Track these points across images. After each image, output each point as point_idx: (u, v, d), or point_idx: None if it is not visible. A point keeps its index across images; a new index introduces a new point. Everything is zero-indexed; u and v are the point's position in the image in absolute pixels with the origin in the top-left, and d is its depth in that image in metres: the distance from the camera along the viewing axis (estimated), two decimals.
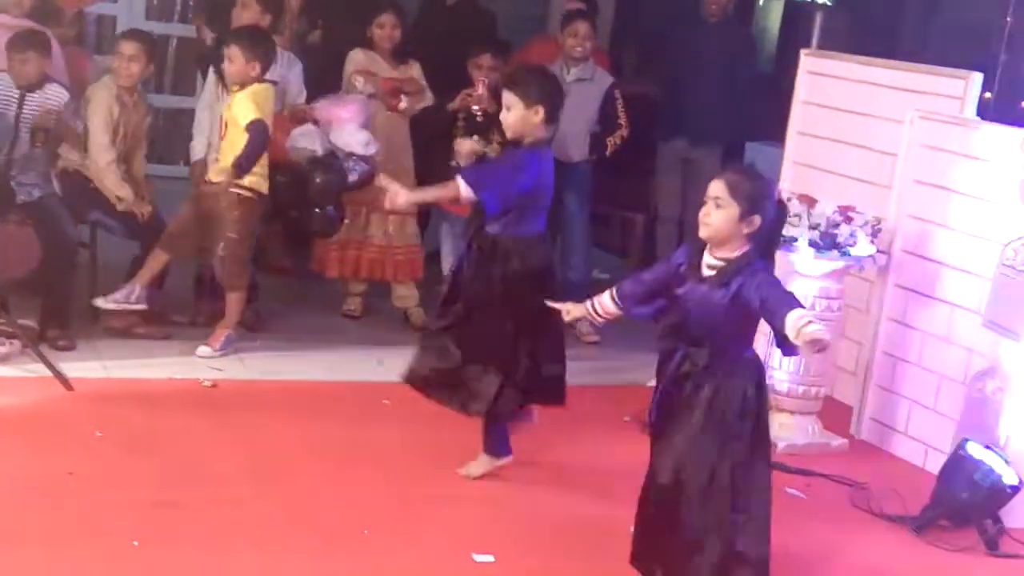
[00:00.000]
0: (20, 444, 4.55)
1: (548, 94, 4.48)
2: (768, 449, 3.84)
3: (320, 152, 5.95)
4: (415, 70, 6.48)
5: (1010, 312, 4.87)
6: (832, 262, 5.26)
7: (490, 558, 4.05)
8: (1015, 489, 4.69)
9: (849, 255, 5.24)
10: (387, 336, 6.32)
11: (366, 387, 5.56)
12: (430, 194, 4.92)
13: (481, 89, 6.13)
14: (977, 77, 5.47)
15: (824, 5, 6.60)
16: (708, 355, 3.69)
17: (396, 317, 6.57)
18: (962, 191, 5.30)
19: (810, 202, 5.32)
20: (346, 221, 6.34)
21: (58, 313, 5.60)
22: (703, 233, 3.72)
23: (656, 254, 7.83)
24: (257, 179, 5.73)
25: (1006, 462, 4.69)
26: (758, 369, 3.78)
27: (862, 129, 5.88)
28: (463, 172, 4.48)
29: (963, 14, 7.66)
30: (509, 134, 4.51)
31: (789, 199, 5.51)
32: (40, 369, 5.15)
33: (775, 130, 6.60)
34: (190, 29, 8.61)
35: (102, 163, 5.87)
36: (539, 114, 4.43)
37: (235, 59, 5.64)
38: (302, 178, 5.94)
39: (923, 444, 5.36)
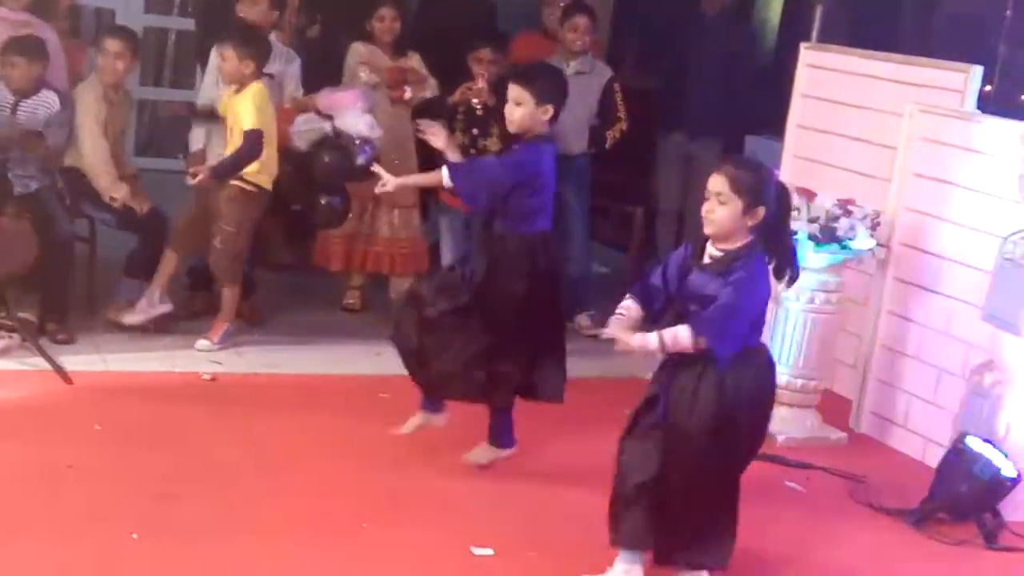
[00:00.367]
0: (20, 437, 4.56)
1: (560, 94, 4.53)
2: (755, 444, 3.87)
3: (328, 130, 5.92)
4: (415, 61, 6.47)
5: (1009, 305, 4.87)
6: (831, 255, 5.26)
7: (489, 551, 4.05)
8: (1014, 482, 4.70)
9: (848, 248, 5.24)
10: (385, 329, 6.28)
11: (365, 380, 5.56)
12: (416, 179, 5.16)
13: (481, 83, 6.13)
14: (977, 70, 5.47)
15: None
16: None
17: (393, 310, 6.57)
18: (962, 184, 5.29)
19: (809, 195, 5.31)
20: (350, 215, 6.35)
21: (56, 307, 5.61)
22: (708, 230, 3.72)
23: (656, 247, 7.84)
24: (259, 173, 5.73)
25: (1005, 455, 4.70)
26: (761, 361, 3.77)
27: (862, 122, 5.88)
28: (451, 163, 4.48)
29: (963, 7, 7.66)
30: (513, 129, 4.50)
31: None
32: (39, 363, 5.15)
33: (775, 123, 6.60)
34: (189, 23, 8.61)
35: (97, 162, 5.87)
36: (548, 113, 4.46)
37: (229, 58, 5.65)
38: (307, 164, 5.90)
39: (922, 437, 5.36)
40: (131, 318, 5.69)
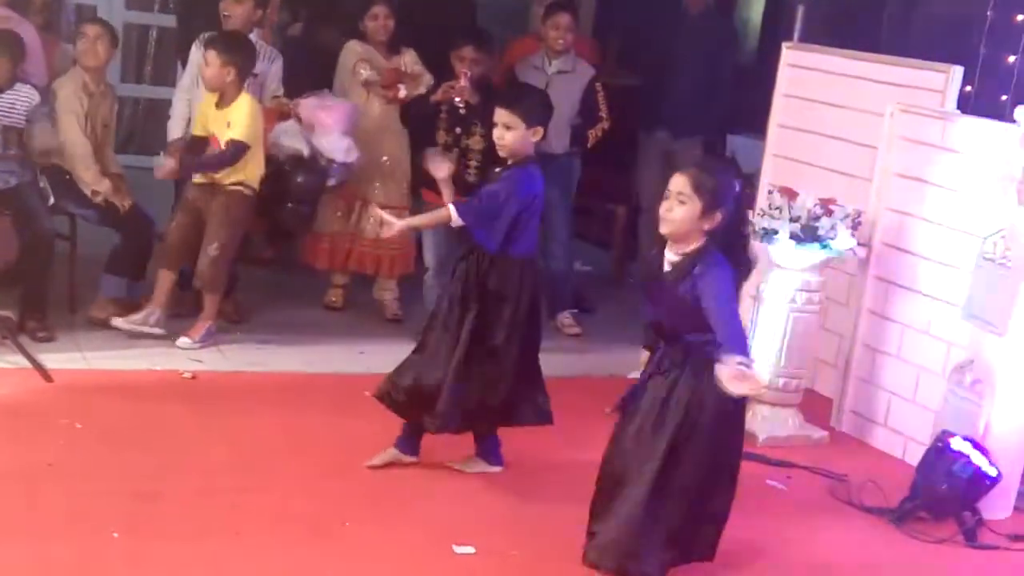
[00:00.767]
0: None
1: (546, 116, 4.58)
2: (733, 454, 3.89)
3: (304, 152, 5.97)
4: (410, 57, 6.45)
5: (989, 305, 4.89)
6: (812, 255, 5.28)
7: (471, 549, 4.05)
8: (993, 481, 4.72)
9: (829, 248, 5.25)
10: (368, 328, 6.32)
11: (347, 379, 5.55)
12: (423, 220, 4.97)
13: (464, 81, 6.12)
14: (958, 71, 5.49)
15: None
16: (683, 351, 3.73)
17: (376, 308, 6.56)
18: (942, 184, 5.32)
19: (791, 195, 5.33)
20: (338, 214, 6.34)
21: (36, 304, 5.58)
22: (663, 229, 3.76)
23: (638, 246, 7.85)
24: (253, 176, 5.76)
25: (985, 454, 4.72)
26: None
27: (843, 122, 5.89)
28: (459, 204, 4.45)
29: (944, 8, 7.67)
30: (504, 153, 4.50)
31: (770, 191, 5.54)
32: (20, 360, 5.13)
33: (756, 122, 6.61)
34: (170, 19, 8.58)
35: (79, 156, 5.84)
36: (538, 135, 4.49)
37: (211, 63, 5.64)
38: (282, 175, 5.95)
39: (903, 436, 5.38)
40: (120, 322, 5.62)
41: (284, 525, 4.07)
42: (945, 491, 4.69)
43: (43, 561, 3.68)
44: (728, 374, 3.50)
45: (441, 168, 4.58)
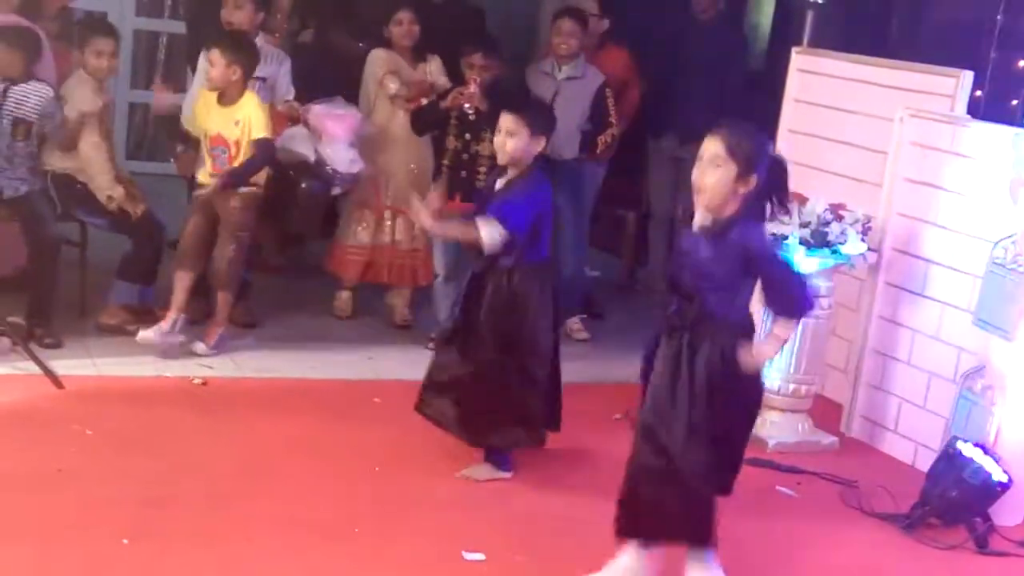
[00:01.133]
0: (10, 442, 4.54)
1: (550, 128, 4.60)
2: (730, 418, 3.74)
3: (311, 159, 5.99)
4: (435, 65, 6.46)
5: (1000, 310, 4.88)
6: (822, 260, 5.27)
7: (480, 556, 4.05)
8: (1004, 487, 4.70)
9: (839, 253, 5.24)
10: (377, 334, 6.32)
11: (357, 385, 5.56)
12: (455, 233, 4.79)
13: (473, 87, 6.12)
14: (968, 75, 5.48)
15: (816, 3, 6.59)
16: (697, 310, 3.64)
17: (385, 314, 6.56)
18: (952, 189, 5.31)
19: (801, 200, 5.31)
20: (364, 225, 6.34)
21: (43, 310, 5.59)
22: (700, 200, 3.64)
23: (648, 252, 7.85)
24: (262, 175, 5.78)
25: (995, 460, 4.70)
26: (746, 331, 3.69)
27: (853, 127, 5.88)
28: (482, 215, 4.46)
29: (954, 12, 7.67)
30: (505, 160, 4.52)
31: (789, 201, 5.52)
32: (30, 367, 5.14)
33: (766, 128, 6.59)
34: (180, 26, 8.60)
35: (96, 161, 5.85)
36: (540, 145, 4.52)
37: (216, 63, 5.64)
38: (288, 180, 5.97)
39: (913, 442, 5.37)
40: (146, 335, 5.57)
41: (294, 531, 4.07)
42: (956, 497, 4.67)
43: (53, 566, 3.68)
44: (749, 360, 3.54)
45: (423, 217, 4.59)
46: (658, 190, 7.63)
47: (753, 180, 3.60)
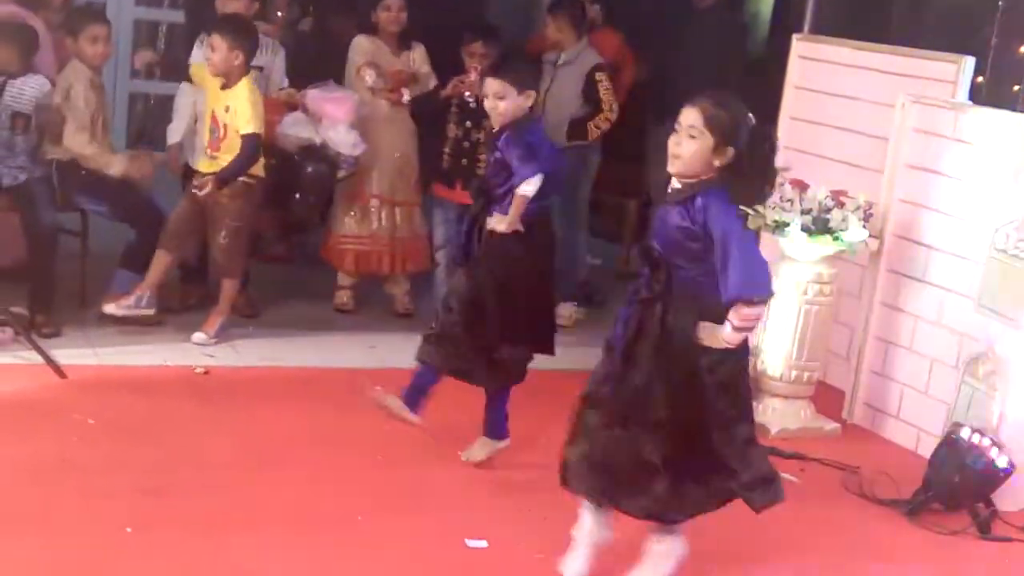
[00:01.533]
0: (12, 431, 4.55)
1: (536, 80, 4.61)
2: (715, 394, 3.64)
3: (316, 141, 5.97)
4: (419, 53, 6.43)
5: (1002, 296, 4.88)
6: (824, 247, 5.27)
7: (483, 543, 4.06)
8: (1007, 472, 4.71)
9: (841, 240, 5.24)
10: (379, 322, 6.33)
11: (359, 374, 5.55)
12: (515, 212, 4.59)
13: (474, 76, 6.12)
14: (969, 61, 5.47)
15: None
16: (665, 278, 3.57)
17: (386, 303, 6.56)
18: (954, 175, 5.30)
19: (802, 187, 5.32)
20: (352, 214, 6.33)
21: (43, 299, 5.59)
22: (673, 168, 3.60)
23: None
24: (256, 164, 5.73)
25: (998, 446, 4.71)
26: (720, 307, 3.54)
27: (854, 114, 5.87)
28: (519, 175, 4.44)
29: None
30: (500, 121, 4.51)
31: (782, 183, 5.52)
32: (32, 356, 5.14)
33: (767, 115, 6.58)
34: (179, 15, 8.58)
35: (86, 148, 5.85)
36: (530, 99, 4.51)
37: (218, 47, 5.62)
38: (291, 165, 5.95)
39: (915, 428, 5.37)
40: (111, 308, 5.62)
41: (297, 519, 4.08)
42: (958, 483, 4.68)
43: (56, 556, 3.69)
44: (713, 334, 3.47)
45: (500, 223, 4.52)
46: (658, 178, 7.58)
47: (730, 152, 3.53)
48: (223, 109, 5.68)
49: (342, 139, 6.01)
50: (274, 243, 7.08)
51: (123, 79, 9.07)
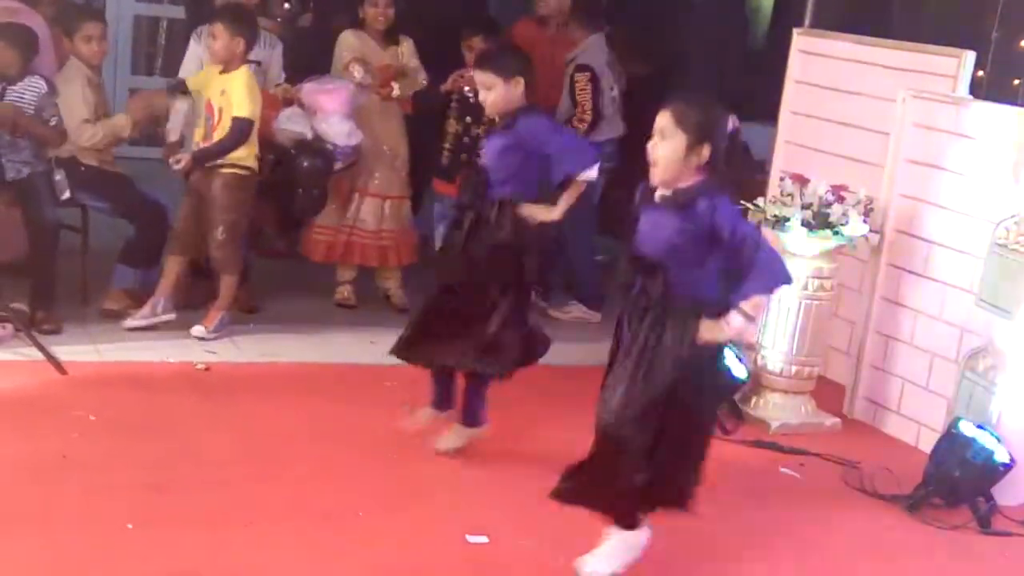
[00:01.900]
0: (13, 427, 4.55)
1: (524, 66, 4.48)
2: (700, 400, 3.64)
3: (309, 136, 5.96)
4: (407, 47, 6.43)
5: (1002, 291, 4.88)
6: (825, 242, 5.27)
7: (484, 539, 4.06)
8: (1007, 467, 4.71)
9: (841, 235, 5.24)
10: (378, 318, 6.31)
11: (360, 369, 5.56)
12: (568, 200, 4.55)
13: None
14: (970, 55, 5.46)
15: None
16: (662, 285, 3.55)
17: (383, 299, 6.56)
18: (954, 170, 5.30)
19: (802, 181, 5.32)
20: (333, 206, 6.32)
21: (43, 296, 5.59)
22: (654, 177, 3.57)
23: None
24: (248, 155, 5.72)
25: (998, 440, 4.71)
26: (717, 311, 3.54)
27: (854, 108, 5.87)
28: (572, 167, 4.43)
29: None
30: (493, 112, 4.49)
31: (782, 178, 5.52)
32: (33, 353, 5.14)
33: (767, 109, 6.59)
34: (179, 10, 8.58)
35: (80, 133, 5.87)
36: (520, 85, 4.42)
37: (220, 36, 5.61)
38: (288, 160, 5.95)
39: (916, 423, 5.37)
40: (132, 322, 5.66)
41: (297, 515, 4.08)
42: (959, 478, 4.68)
43: (57, 552, 3.69)
44: (712, 330, 3.45)
45: (541, 212, 4.46)
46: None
47: (706, 150, 3.52)
48: (219, 93, 5.66)
49: (337, 130, 6.00)
50: (274, 238, 7.08)
51: (123, 75, 9.07)
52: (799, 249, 5.30)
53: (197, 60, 6.04)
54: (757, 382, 5.45)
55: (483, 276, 4.45)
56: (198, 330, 5.68)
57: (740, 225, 3.53)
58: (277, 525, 4.00)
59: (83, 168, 5.90)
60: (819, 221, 5.21)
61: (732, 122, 3.61)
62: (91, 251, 6.07)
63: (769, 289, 3.56)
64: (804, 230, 5.21)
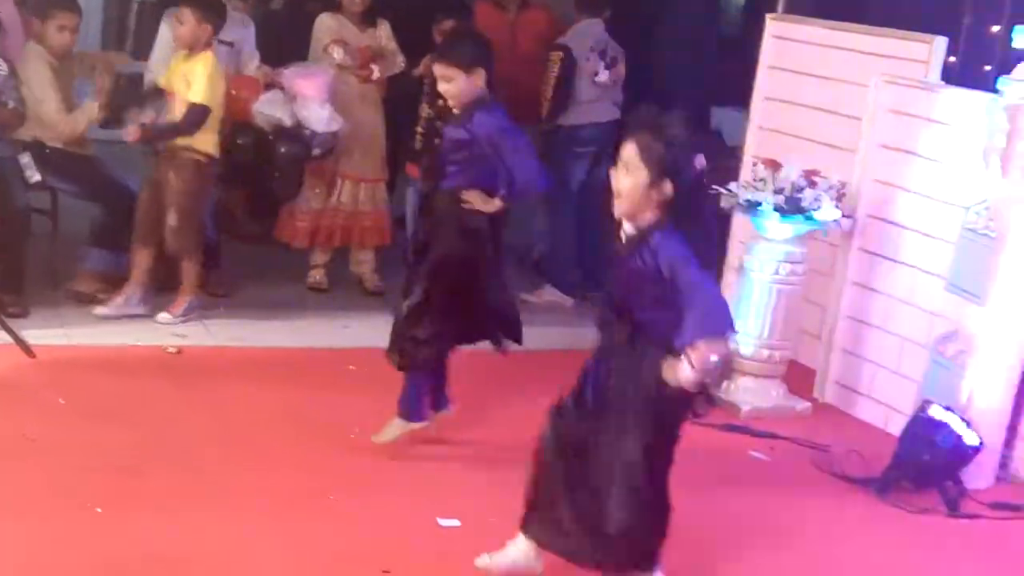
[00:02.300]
0: None
1: (483, 56, 4.41)
2: (661, 443, 3.55)
3: (287, 122, 5.94)
4: (384, 29, 6.40)
5: (972, 276, 4.90)
6: (796, 226, 5.28)
7: (455, 522, 4.06)
8: (975, 450, 4.74)
9: (813, 219, 5.26)
10: (352, 302, 6.31)
11: (331, 353, 5.55)
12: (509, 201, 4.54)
13: None
14: (941, 41, 5.48)
15: None
16: (629, 328, 3.47)
17: (357, 283, 6.54)
18: (926, 155, 5.32)
19: (775, 166, 5.32)
20: (316, 191, 6.30)
21: (12, 279, 5.54)
22: (617, 210, 3.46)
23: None
24: (206, 141, 5.66)
25: (967, 424, 4.74)
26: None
27: (827, 93, 5.88)
28: (515, 183, 4.38)
29: None
30: (455, 104, 4.42)
31: (754, 163, 5.53)
32: (2, 336, 5.10)
33: (741, 95, 6.60)
34: None
35: (62, 125, 5.80)
36: (481, 76, 4.36)
37: (187, 20, 5.57)
38: (266, 145, 5.92)
39: (886, 406, 5.40)
40: (104, 310, 5.61)
41: (269, 499, 4.07)
42: (927, 461, 4.71)
43: (25, 536, 3.67)
44: (675, 370, 3.33)
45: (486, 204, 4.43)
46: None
47: (667, 187, 3.38)
48: (182, 81, 5.61)
49: (315, 116, 5.98)
50: (246, 222, 7.04)
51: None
52: (771, 233, 5.32)
53: (167, 46, 5.98)
54: (728, 366, 5.46)
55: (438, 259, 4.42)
56: (164, 317, 5.64)
57: (683, 267, 3.36)
58: (248, 509, 3.99)
59: (48, 151, 5.84)
60: (791, 206, 5.22)
61: (698, 161, 3.46)
62: (60, 234, 6.02)
63: (708, 335, 3.33)
64: (776, 215, 5.22)
